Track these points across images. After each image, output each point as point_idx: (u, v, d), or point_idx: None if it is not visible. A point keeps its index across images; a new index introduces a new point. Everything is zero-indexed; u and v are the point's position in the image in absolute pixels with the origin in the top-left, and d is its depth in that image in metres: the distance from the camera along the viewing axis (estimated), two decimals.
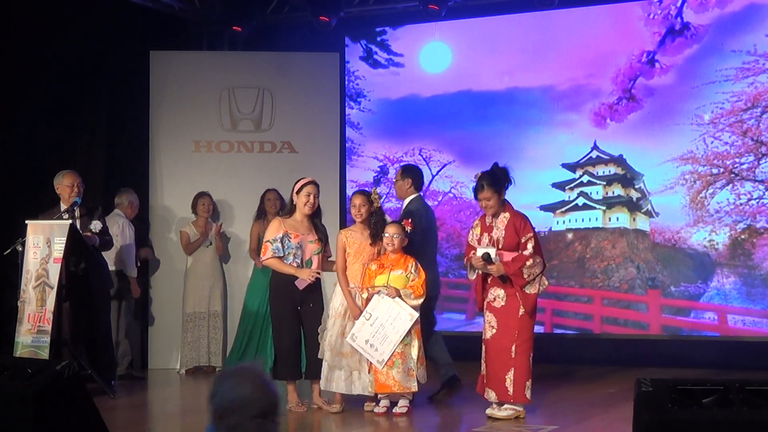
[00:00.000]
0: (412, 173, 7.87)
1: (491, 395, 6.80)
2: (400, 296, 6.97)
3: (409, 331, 6.95)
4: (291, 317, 7.17)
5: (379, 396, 7.08)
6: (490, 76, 10.26)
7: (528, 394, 6.72)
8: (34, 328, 7.39)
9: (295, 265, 7.12)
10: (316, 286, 7.21)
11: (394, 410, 6.98)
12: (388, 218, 7.47)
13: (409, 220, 7.25)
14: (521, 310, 6.73)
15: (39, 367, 4.73)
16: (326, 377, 7.09)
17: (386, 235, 7.09)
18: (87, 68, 9.65)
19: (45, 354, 7.23)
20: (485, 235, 6.84)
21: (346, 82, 10.61)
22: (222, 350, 9.37)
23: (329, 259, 7.39)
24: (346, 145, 10.58)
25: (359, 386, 7.09)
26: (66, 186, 7.90)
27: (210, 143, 9.93)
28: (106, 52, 9.77)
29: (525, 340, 6.74)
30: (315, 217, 7.31)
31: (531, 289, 6.71)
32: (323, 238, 7.29)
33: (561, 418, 6.84)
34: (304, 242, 7.19)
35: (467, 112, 10.36)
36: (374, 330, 6.95)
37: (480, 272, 6.84)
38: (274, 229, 7.21)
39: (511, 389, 6.70)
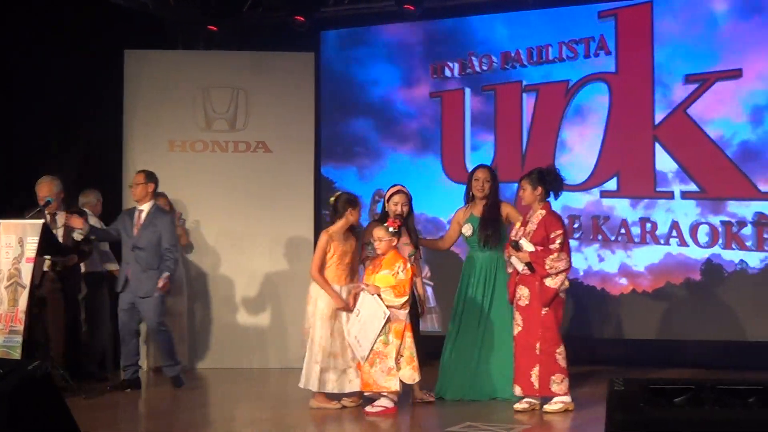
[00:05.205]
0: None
1: (517, 390, 7.10)
2: (379, 294, 7.01)
3: (384, 330, 6.98)
4: None
5: (365, 394, 7.15)
6: (481, 76, 10.24)
7: (554, 387, 6.97)
8: (6, 328, 7.35)
9: None
10: None
11: (366, 408, 7.01)
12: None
13: (397, 221, 7.23)
14: (544, 310, 7.00)
15: (11, 367, 4.72)
16: (319, 379, 7.12)
17: (373, 240, 7.20)
18: (60, 67, 9.57)
19: (17, 354, 7.20)
20: (522, 228, 7.19)
21: (323, 83, 10.59)
22: (188, 349, 9.29)
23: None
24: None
25: (356, 383, 7.15)
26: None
27: (185, 143, 9.90)
28: (80, 51, 9.69)
29: (550, 337, 7.00)
30: None
31: (551, 283, 6.98)
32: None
33: (535, 417, 6.87)
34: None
35: (461, 111, 10.35)
36: (360, 326, 7.06)
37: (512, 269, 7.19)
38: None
39: (536, 384, 7.00)
